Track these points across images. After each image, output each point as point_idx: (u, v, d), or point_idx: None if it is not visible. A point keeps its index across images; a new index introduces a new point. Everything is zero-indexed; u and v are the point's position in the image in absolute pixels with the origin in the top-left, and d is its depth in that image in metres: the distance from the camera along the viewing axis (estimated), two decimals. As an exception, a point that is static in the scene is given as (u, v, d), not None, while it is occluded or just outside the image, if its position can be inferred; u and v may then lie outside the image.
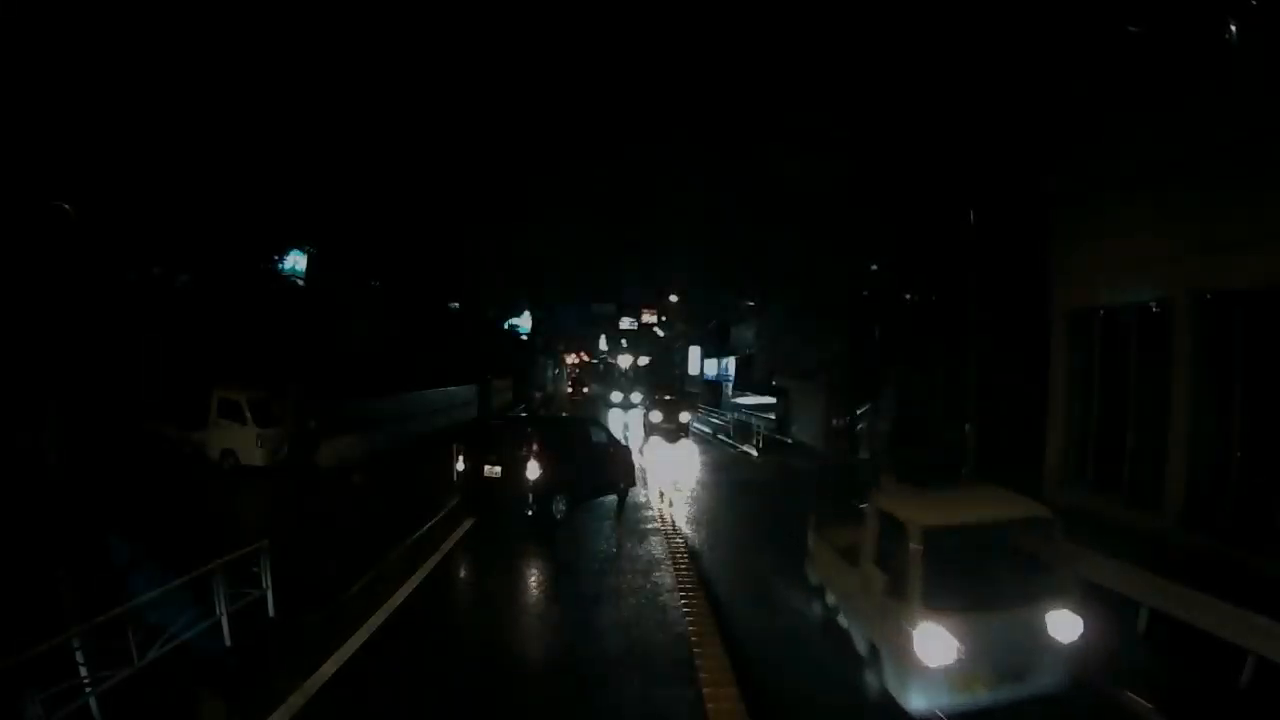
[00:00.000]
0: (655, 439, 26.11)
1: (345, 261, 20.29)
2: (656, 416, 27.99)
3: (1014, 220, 14.81)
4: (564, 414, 33.51)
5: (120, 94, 12.44)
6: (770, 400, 31.89)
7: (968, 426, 12.79)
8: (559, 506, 12.28)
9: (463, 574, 9.97)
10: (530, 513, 11.84)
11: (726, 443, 26.73)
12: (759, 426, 25.49)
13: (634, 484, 15.07)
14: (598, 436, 14.68)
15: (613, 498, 14.27)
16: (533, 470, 11.89)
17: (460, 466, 12.73)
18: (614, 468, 14.39)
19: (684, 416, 28.37)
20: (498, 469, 12.20)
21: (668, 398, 31.15)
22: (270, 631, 6.91)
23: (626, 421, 32.51)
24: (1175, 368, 10.80)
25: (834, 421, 25.83)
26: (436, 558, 10.10)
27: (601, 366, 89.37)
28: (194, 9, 13.05)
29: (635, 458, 16.28)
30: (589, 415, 25.54)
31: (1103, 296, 12.72)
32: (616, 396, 47.02)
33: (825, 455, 24.45)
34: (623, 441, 15.83)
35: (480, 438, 13.37)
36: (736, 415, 31.21)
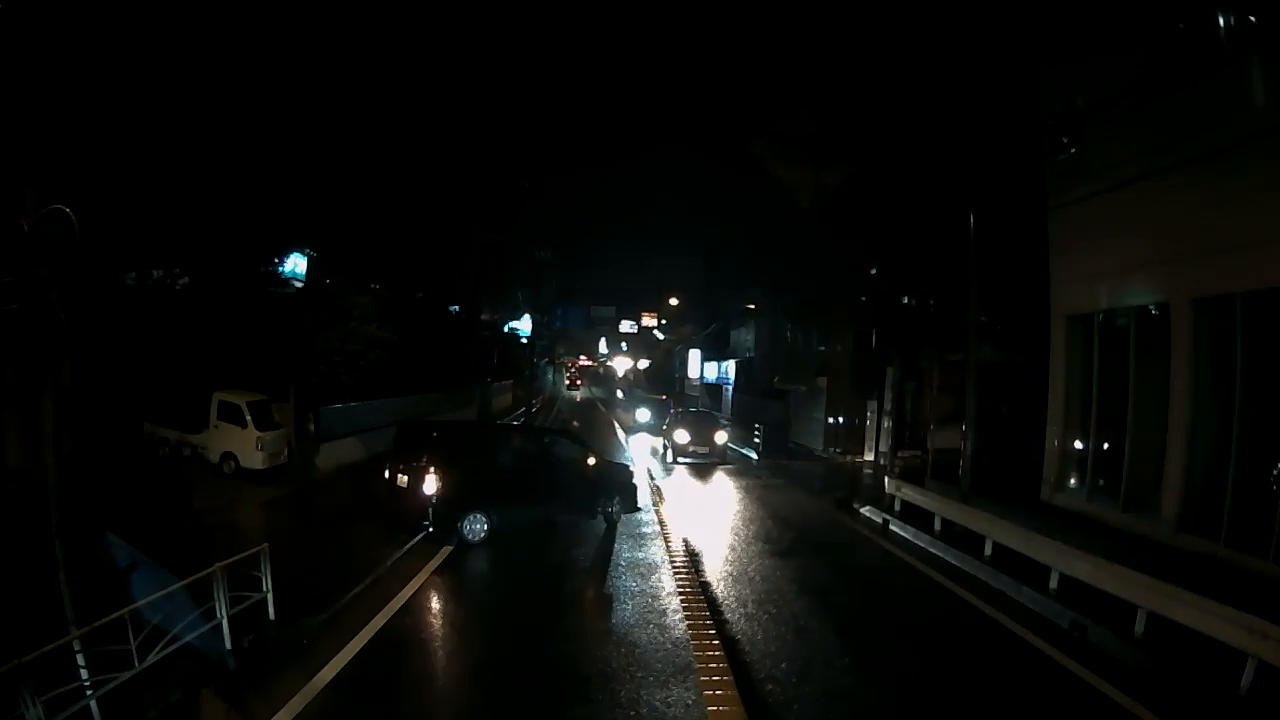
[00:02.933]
0: (681, 469, 20.79)
1: (346, 265, 20.28)
2: (683, 436, 21.73)
3: (1013, 224, 14.86)
4: (558, 415, 33.38)
5: (121, 94, 12.46)
6: (771, 403, 31.93)
7: (965, 429, 12.79)
8: (474, 527, 10.79)
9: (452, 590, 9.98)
10: (431, 529, 10.67)
11: (726, 445, 26.70)
12: (759, 429, 25.48)
13: (633, 508, 13.20)
14: (564, 450, 12.79)
15: (596, 521, 12.63)
16: (430, 483, 10.58)
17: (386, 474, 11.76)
18: (592, 487, 12.57)
19: (720, 437, 22.36)
20: (405, 479, 11.11)
21: (694, 410, 27.09)
22: (271, 634, 6.92)
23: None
24: (1173, 371, 10.82)
25: (834, 424, 25.88)
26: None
27: (601, 370, 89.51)
28: (196, 9, 13.10)
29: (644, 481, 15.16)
30: (592, 425, 25.35)
31: (1101, 300, 12.75)
32: (644, 415, 31.92)
33: (826, 457, 24.50)
34: (623, 461, 14.45)
35: (399, 444, 12.04)
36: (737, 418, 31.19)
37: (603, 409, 46.64)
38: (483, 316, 32.98)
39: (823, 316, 28.49)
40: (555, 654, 7.07)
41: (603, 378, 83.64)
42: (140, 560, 7.17)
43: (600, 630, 7.75)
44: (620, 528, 12.56)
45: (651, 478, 17.76)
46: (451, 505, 10.71)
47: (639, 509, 13.36)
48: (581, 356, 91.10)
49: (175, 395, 15.55)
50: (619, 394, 61.75)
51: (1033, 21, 13.21)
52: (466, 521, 10.78)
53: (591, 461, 12.84)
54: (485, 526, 10.94)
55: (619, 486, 13.07)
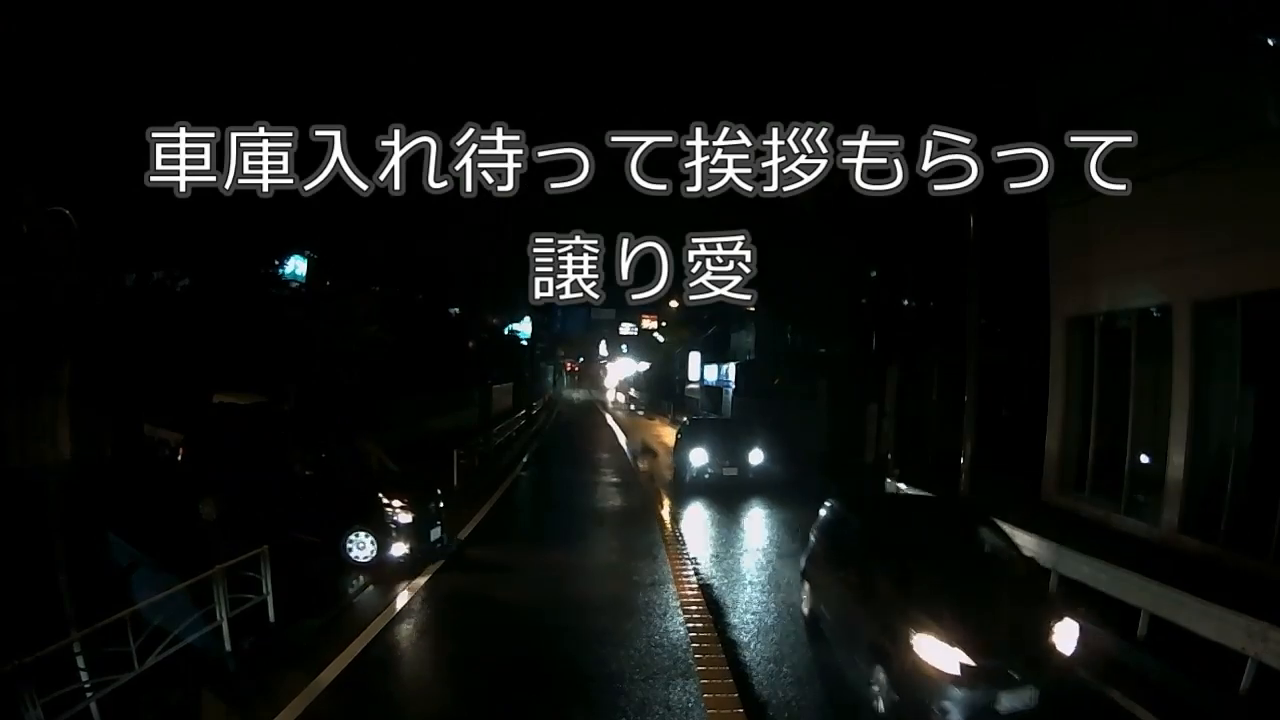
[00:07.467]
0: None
1: (346, 266, 20.31)
2: (934, 652, 5.43)
3: (1013, 225, 14.84)
4: (558, 417, 33.08)
5: (121, 95, 12.45)
6: (771, 404, 31.92)
7: (966, 431, 12.77)
8: (206, 510, 9.69)
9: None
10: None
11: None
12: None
13: (385, 549, 9.48)
14: (310, 450, 10.31)
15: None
16: (180, 456, 11.01)
17: None
18: (327, 505, 9.63)
19: (1064, 635, 5.90)
20: None
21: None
22: (271, 636, 6.92)
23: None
24: (1175, 373, 10.81)
25: (835, 426, 25.86)
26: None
27: (602, 371, 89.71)
28: (194, 8, 13.11)
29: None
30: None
31: (1102, 301, 12.74)
32: (700, 459, 17.85)
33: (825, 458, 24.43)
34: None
35: None
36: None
37: (602, 411, 46.59)
38: (484, 318, 32.98)
39: (823, 318, 28.47)
40: (554, 654, 7.08)
41: (602, 380, 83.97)
42: (141, 561, 7.17)
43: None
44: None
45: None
46: (192, 483, 10.48)
47: (393, 555, 9.56)
48: (583, 359, 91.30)
49: (175, 397, 15.56)
50: (620, 397, 61.61)
51: (1033, 23, 13.21)
52: (205, 503, 9.78)
53: (309, 473, 9.88)
54: (215, 511, 9.66)
55: (356, 513, 9.49)
